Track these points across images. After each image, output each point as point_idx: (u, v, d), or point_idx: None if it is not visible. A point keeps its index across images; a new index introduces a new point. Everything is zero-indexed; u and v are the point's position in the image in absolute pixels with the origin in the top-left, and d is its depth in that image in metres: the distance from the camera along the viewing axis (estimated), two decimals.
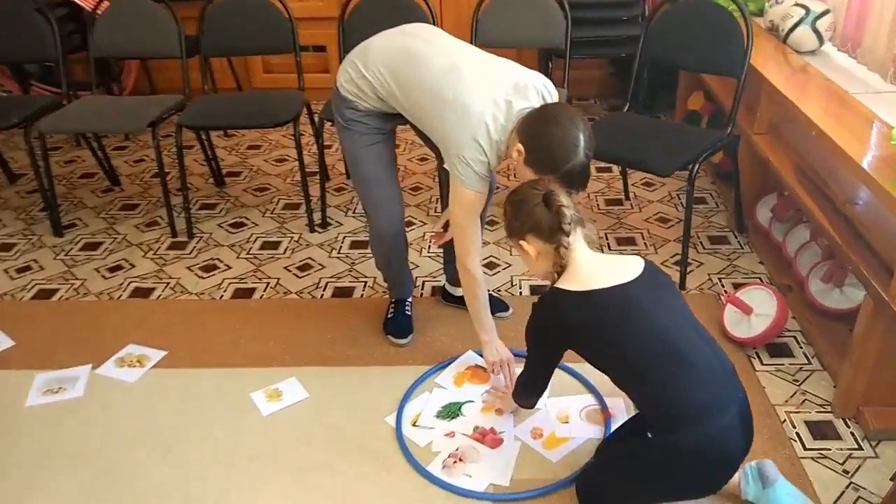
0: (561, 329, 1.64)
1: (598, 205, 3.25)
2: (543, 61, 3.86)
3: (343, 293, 2.72)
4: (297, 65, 3.23)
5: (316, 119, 3.10)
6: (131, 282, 2.81)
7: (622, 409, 2.10)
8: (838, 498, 1.82)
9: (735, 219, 2.94)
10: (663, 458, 1.56)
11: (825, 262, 2.43)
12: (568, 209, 1.62)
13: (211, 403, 2.20)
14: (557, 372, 1.93)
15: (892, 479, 1.85)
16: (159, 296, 2.72)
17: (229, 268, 2.90)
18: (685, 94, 3.72)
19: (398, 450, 2.00)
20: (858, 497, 1.82)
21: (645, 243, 2.92)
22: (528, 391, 1.93)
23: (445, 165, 1.93)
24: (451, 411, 2.12)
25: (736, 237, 2.94)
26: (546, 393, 1.97)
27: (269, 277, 2.83)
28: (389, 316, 2.47)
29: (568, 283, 1.61)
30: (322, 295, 2.71)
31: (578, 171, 1.73)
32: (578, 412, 2.11)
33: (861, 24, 2.68)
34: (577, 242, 1.64)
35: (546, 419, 2.08)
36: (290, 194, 3.48)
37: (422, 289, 2.71)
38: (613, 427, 2.02)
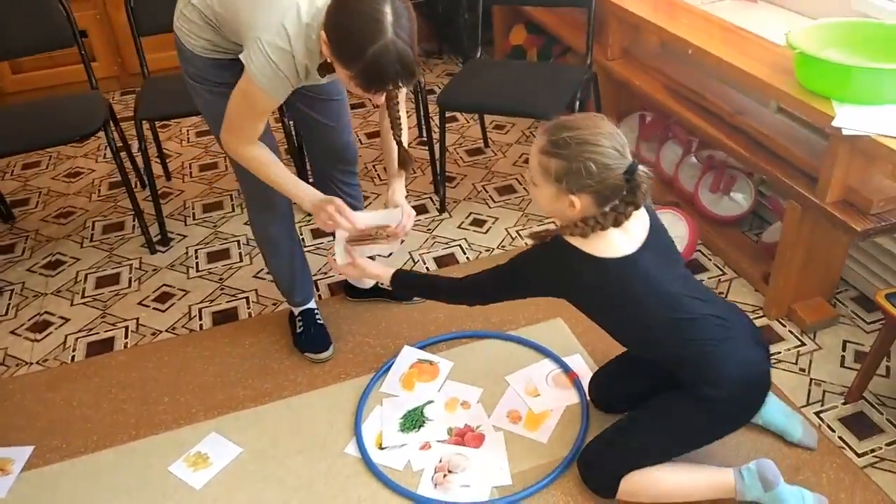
0: (563, 283, 1.53)
1: (461, 158, 3.09)
2: None
3: (226, 317, 2.32)
4: (84, 58, 2.64)
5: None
6: None
7: (582, 364, 2.02)
8: (808, 397, 1.89)
9: None
10: (706, 405, 1.50)
11: (709, 173, 2.50)
12: (646, 185, 1.43)
13: (120, 496, 1.76)
14: (507, 344, 1.87)
15: (856, 362, 1.97)
16: None
17: (67, 320, 2.34)
18: (504, 30, 3.64)
19: (376, 482, 1.74)
20: (824, 392, 1.91)
21: (524, 188, 2.83)
22: (468, 296, 1.74)
23: (241, 56, 1.55)
24: (415, 420, 1.89)
25: None
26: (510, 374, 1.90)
27: (125, 320, 2.33)
28: (299, 330, 2.14)
29: (582, 244, 1.46)
30: (201, 325, 2.29)
31: (391, 59, 1.40)
32: (545, 381, 1.98)
33: None
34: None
35: (516, 398, 1.93)
36: (104, 213, 2.89)
37: (317, 290, 2.39)
38: (584, 385, 1.93)
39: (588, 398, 1.89)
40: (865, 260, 2.16)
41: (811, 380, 1.94)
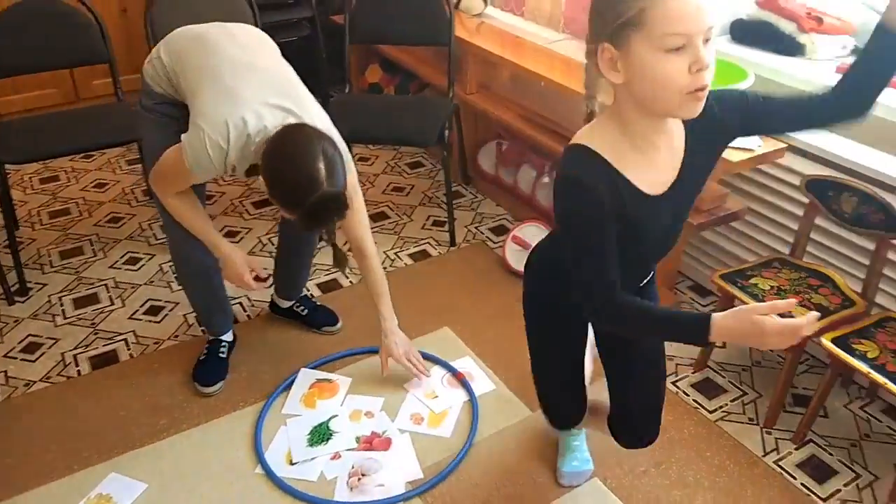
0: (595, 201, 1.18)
1: None
2: None
3: (105, 360, 2.25)
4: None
5: None
6: None
7: (473, 364, 2.19)
8: (669, 376, 2.17)
9: (461, 173, 3.18)
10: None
11: None
12: None
13: None
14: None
15: None
16: None
17: None
18: (359, 69, 3.79)
19: (289, 497, 1.79)
20: (677, 364, 2.21)
21: (396, 214, 2.98)
22: (601, 290, 1.23)
23: (183, 135, 1.67)
24: (322, 434, 1.96)
25: (466, 189, 3.19)
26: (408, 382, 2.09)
27: None
28: (201, 358, 2.15)
29: (603, 146, 1.20)
30: (79, 371, 2.20)
31: (327, 208, 1.58)
32: (440, 383, 2.13)
33: None
34: None
35: (417, 403, 2.06)
36: None
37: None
38: (473, 385, 2.09)
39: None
40: (696, 254, 2.53)
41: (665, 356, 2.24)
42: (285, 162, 1.59)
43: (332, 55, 3.75)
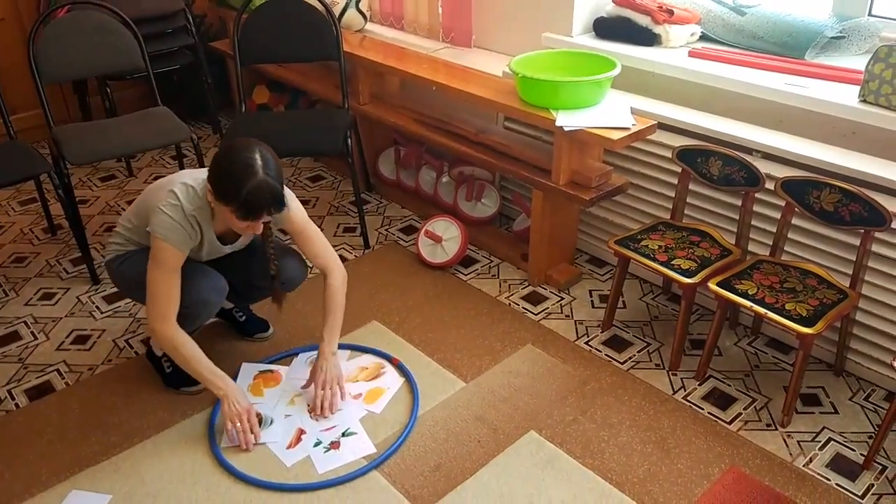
0: None
1: None
2: (103, 87, 3.57)
3: (41, 391, 2.24)
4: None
5: None
6: None
7: (404, 349, 2.36)
8: (577, 334, 2.44)
9: (364, 181, 3.35)
10: None
11: (462, 186, 3.03)
12: None
13: None
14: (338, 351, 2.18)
15: (603, 304, 2.56)
16: None
17: None
18: (246, 91, 3.87)
19: (253, 487, 1.89)
20: (587, 327, 2.48)
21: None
22: None
23: (148, 228, 1.91)
24: (279, 414, 2.10)
25: (370, 196, 3.36)
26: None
27: None
28: (169, 370, 2.23)
29: None
30: (17, 404, 2.20)
31: (263, 194, 1.77)
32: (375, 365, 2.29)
33: (397, 5, 3.30)
34: None
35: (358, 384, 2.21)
36: None
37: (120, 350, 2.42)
38: (409, 367, 2.27)
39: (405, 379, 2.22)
40: (588, 229, 2.82)
41: (575, 321, 2.50)
42: (225, 157, 1.82)
43: (215, 81, 3.83)
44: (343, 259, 2.86)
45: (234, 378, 2.18)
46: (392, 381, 2.24)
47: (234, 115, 3.89)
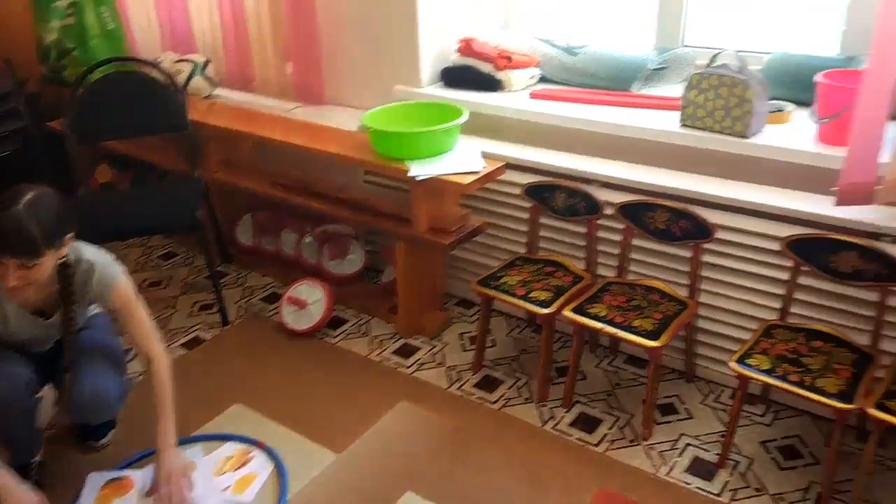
0: None
1: None
2: None
3: None
4: None
5: None
6: None
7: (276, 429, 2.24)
8: (449, 381, 2.41)
9: (220, 252, 3.21)
10: None
11: (326, 245, 2.97)
12: None
13: None
14: (194, 446, 2.10)
15: (473, 345, 2.54)
16: None
17: None
18: (88, 170, 3.64)
19: None
20: (459, 372, 2.45)
21: (158, 308, 2.89)
22: None
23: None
24: None
25: (229, 267, 3.21)
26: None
27: None
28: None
29: None
30: None
31: (5, 227, 1.65)
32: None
33: (245, 67, 3.27)
34: None
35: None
36: None
37: None
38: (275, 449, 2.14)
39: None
40: (453, 272, 2.82)
41: (447, 368, 2.47)
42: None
43: (55, 163, 3.61)
44: (199, 341, 2.71)
45: (78, 495, 1.99)
46: (262, 464, 2.09)
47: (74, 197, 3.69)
